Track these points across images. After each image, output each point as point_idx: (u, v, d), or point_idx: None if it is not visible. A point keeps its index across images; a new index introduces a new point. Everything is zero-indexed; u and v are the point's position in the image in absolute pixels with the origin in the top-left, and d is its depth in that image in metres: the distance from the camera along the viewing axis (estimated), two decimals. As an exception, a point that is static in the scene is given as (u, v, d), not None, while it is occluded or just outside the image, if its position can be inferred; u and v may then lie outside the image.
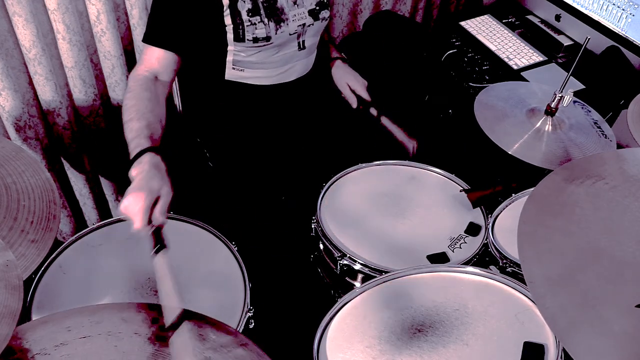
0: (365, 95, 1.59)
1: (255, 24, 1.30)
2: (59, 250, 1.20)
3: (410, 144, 1.57)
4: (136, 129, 1.14)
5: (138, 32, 1.66)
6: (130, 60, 1.75)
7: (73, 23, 1.53)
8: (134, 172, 1.06)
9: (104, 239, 1.24)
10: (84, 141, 1.79)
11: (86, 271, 1.17)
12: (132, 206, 0.98)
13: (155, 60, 1.29)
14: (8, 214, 1.00)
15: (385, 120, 1.58)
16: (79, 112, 1.73)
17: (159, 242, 0.98)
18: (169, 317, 0.86)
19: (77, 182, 1.87)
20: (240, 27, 1.30)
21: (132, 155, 1.10)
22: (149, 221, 0.99)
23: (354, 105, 1.60)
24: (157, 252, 0.96)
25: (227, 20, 1.29)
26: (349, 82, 1.60)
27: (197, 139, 1.61)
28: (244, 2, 1.29)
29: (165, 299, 0.89)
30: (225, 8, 1.28)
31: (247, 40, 1.32)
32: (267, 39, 1.33)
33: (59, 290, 1.12)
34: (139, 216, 0.97)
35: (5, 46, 1.51)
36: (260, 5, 1.31)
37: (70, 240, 1.22)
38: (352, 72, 1.63)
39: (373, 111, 1.59)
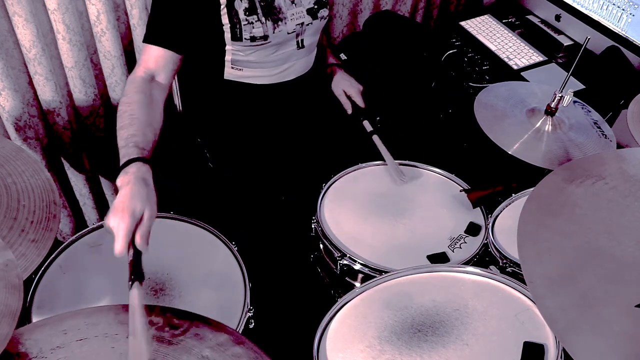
0: (359, 101, 1.59)
1: (252, 23, 1.30)
2: (59, 250, 1.20)
3: (395, 173, 1.47)
4: (125, 138, 1.12)
5: (138, 32, 1.66)
6: (130, 60, 1.75)
7: (73, 23, 1.53)
8: (118, 181, 1.04)
9: (104, 239, 1.24)
10: (84, 141, 1.79)
11: (86, 271, 1.17)
12: (114, 229, 0.95)
13: (154, 59, 1.28)
14: (8, 214, 1.00)
15: (376, 140, 1.53)
16: (79, 112, 1.73)
17: (135, 272, 0.94)
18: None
19: (77, 182, 1.87)
20: (238, 26, 1.30)
21: (120, 164, 1.08)
22: (130, 244, 0.96)
23: (349, 111, 1.61)
24: (132, 283, 0.91)
25: (225, 19, 1.29)
26: (344, 88, 1.61)
27: (197, 139, 1.61)
28: (241, 1, 1.29)
29: (132, 338, 0.83)
30: (222, 7, 1.28)
31: (245, 39, 1.32)
32: (265, 38, 1.33)
33: (59, 290, 1.12)
34: (120, 239, 0.94)
35: (5, 46, 1.51)
36: (258, 4, 1.31)
37: (70, 240, 1.22)
38: (348, 78, 1.64)
39: (367, 125, 1.57)
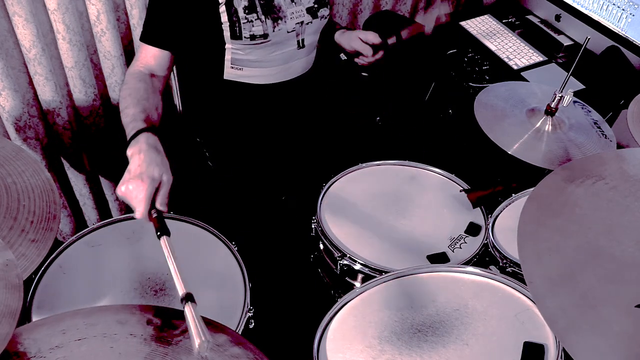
0: (377, 40, 1.51)
1: (251, 21, 1.31)
2: (59, 250, 1.20)
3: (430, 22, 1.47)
4: (132, 114, 1.15)
5: (138, 32, 1.66)
6: (130, 60, 1.74)
7: (73, 23, 1.53)
8: (129, 151, 1.05)
9: (104, 239, 1.24)
10: (83, 141, 1.79)
11: (86, 271, 1.17)
12: (133, 194, 0.98)
13: (151, 57, 1.31)
14: (8, 214, 1.00)
15: (404, 32, 1.50)
16: (79, 112, 1.73)
17: (161, 228, 0.97)
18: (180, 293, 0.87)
19: (77, 182, 1.87)
20: (237, 24, 1.30)
21: (128, 137, 1.10)
22: (151, 209, 0.99)
23: (370, 53, 1.52)
24: (160, 236, 0.96)
25: (223, 17, 1.30)
26: (359, 35, 1.53)
27: (197, 139, 1.61)
28: None
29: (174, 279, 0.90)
30: (220, 5, 1.28)
31: (244, 37, 1.32)
32: (265, 36, 1.33)
33: (59, 290, 1.12)
34: (141, 205, 0.97)
35: (5, 46, 1.51)
36: (257, 2, 1.31)
37: (70, 240, 1.23)
38: (359, 30, 1.59)
39: (391, 40, 1.52)
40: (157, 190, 1.01)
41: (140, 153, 1.03)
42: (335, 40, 1.58)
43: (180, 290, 0.85)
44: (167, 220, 1.27)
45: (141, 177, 0.99)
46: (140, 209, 0.98)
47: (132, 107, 1.17)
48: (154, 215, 0.99)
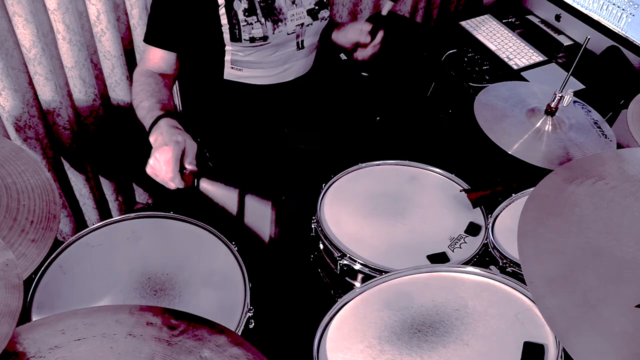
0: (370, 25, 1.49)
1: (251, 23, 1.31)
2: (59, 250, 1.20)
3: None
4: (147, 107, 1.19)
5: (138, 32, 1.66)
6: (130, 60, 1.75)
7: (73, 23, 1.53)
8: (152, 137, 1.11)
9: (104, 239, 1.24)
10: (84, 141, 1.79)
11: (86, 271, 1.17)
12: (161, 160, 1.02)
13: (158, 59, 1.34)
14: (8, 214, 1.00)
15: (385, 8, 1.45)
16: (79, 112, 1.73)
17: (197, 175, 1.04)
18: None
19: (77, 182, 1.87)
20: (237, 27, 1.30)
21: (148, 127, 1.15)
22: (181, 172, 1.03)
23: (369, 40, 1.48)
24: (198, 183, 1.03)
25: (223, 20, 1.30)
26: (357, 25, 1.51)
27: (196, 139, 1.61)
28: (240, 1, 1.29)
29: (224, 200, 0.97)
30: (220, 7, 1.28)
31: (244, 40, 1.32)
32: (265, 38, 1.33)
33: (59, 290, 1.12)
34: (169, 166, 1.02)
35: (5, 46, 1.51)
36: (257, 4, 1.31)
37: (70, 240, 1.22)
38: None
39: (384, 11, 1.47)
40: (183, 155, 1.06)
41: (162, 133, 1.09)
42: (332, 40, 1.58)
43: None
44: (167, 220, 1.29)
45: (165, 144, 1.04)
46: (169, 170, 1.02)
47: (147, 100, 1.21)
48: (188, 172, 1.05)
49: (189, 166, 1.06)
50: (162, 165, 1.03)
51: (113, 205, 2.03)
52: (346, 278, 1.31)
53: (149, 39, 1.32)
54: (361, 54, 1.52)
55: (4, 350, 0.70)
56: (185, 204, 1.36)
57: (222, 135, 1.54)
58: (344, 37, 1.53)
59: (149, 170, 1.05)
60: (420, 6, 2.25)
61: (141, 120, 1.19)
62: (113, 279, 1.15)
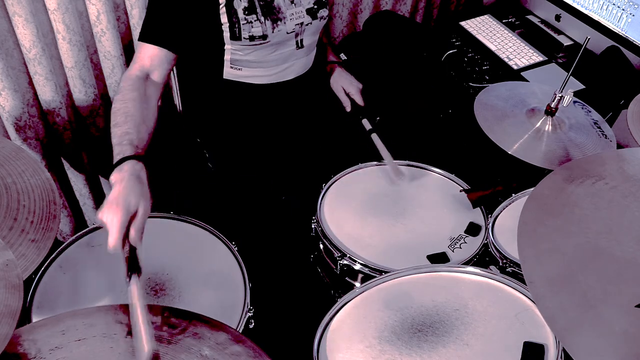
0: (359, 99, 1.59)
1: (251, 22, 1.31)
2: (59, 250, 1.20)
3: (394, 172, 1.46)
4: (119, 135, 1.13)
5: (138, 32, 1.65)
6: (130, 60, 1.74)
7: (73, 23, 1.53)
8: (112, 178, 1.04)
9: (104, 239, 1.23)
10: (84, 141, 1.79)
11: (86, 271, 1.17)
12: (108, 221, 0.95)
13: (149, 58, 1.28)
14: (8, 214, 1.00)
15: (375, 138, 1.52)
16: (79, 112, 1.73)
17: (132, 266, 0.94)
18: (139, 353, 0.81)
19: (77, 182, 1.87)
20: (237, 25, 1.30)
21: (114, 161, 1.09)
22: (124, 239, 0.96)
23: (348, 109, 1.60)
24: (130, 277, 0.92)
25: (223, 18, 1.29)
26: (344, 85, 1.61)
27: (196, 139, 1.61)
28: (240, 0, 1.29)
29: (136, 333, 0.84)
30: (221, 6, 1.28)
31: (244, 38, 1.32)
32: (264, 37, 1.33)
33: (59, 290, 1.12)
34: (113, 233, 0.94)
35: (5, 46, 1.51)
36: (257, 3, 1.31)
37: (70, 240, 1.22)
38: (348, 76, 1.63)
39: (366, 124, 1.56)
40: (132, 219, 0.98)
41: (122, 182, 1.02)
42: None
43: (145, 347, 0.81)
44: (167, 220, 1.29)
45: (117, 204, 0.97)
46: (112, 236, 0.95)
47: (121, 124, 1.15)
48: (125, 253, 0.96)
49: (133, 235, 0.97)
50: (108, 226, 0.96)
51: (113, 205, 2.02)
52: (346, 278, 1.31)
53: (143, 36, 1.29)
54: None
55: (5, 352, 0.70)
56: (185, 204, 1.36)
57: (222, 135, 1.54)
58: (334, 84, 1.64)
59: (98, 219, 0.98)
60: (420, 6, 2.25)
61: (112, 144, 1.13)
62: (113, 279, 1.15)
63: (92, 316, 0.88)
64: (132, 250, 0.97)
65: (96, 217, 0.98)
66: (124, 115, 1.17)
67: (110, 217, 0.96)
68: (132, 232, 0.97)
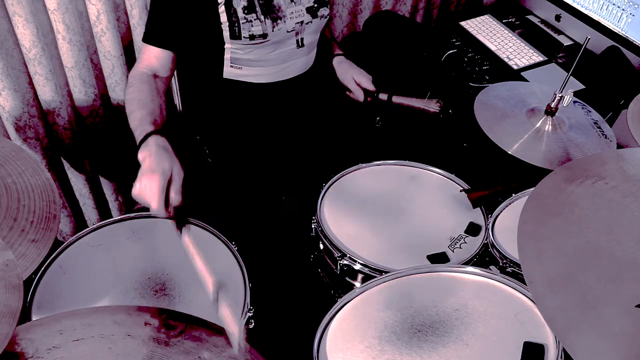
0: (371, 87, 1.56)
1: (251, 21, 1.31)
2: (59, 250, 1.20)
3: (433, 106, 1.52)
4: (139, 118, 1.19)
5: (138, 32, 1.66)
6: (130, 60, 1.75)
7: (73, 23, 1.53)
8: (141, 155, 1.10)
9: (104, 239, 1.24)
10: (84, 141, 1.79)
11: (86, 271, 1.17)
12: (147, 189, 1.02)
13: (154, 58, 1.33)
14: (8, 214, 1.00)
15: (397, 99, 1.54)
16: (79, 112, 1.73)
17: (180, 222, 1.03)
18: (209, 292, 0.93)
19: (77, 182, 1.87)
20: (236, 24, 1.30)
21: (137, 142, 1.14)
22: (166, 203, 1.03)
23: (361, 98, 1.56)
24: (181, 230, 1.02)
25: (223, 17, 1.30)
26: (354, 75, 1.58)
27: (196, 138, 1.61)
28: None
29: (200, 276, 0.97)
30: (220, 5, 1.28)
31: (244, 37, 1.32)
32: (264, 36, 1.33)
33: (59, 290, 1.12)
34: (155, 198, 1.01)
35: (5, 46, 1.51)
36: (256, 2, 1.31)
37: (70, 240, 1.22)
38: (356, 67, 1.62)
39: (383, 96, 1.55)
40: (169, 184, 1.05)
41: (151, 154, 1.08)
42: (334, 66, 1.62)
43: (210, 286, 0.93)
44: (167, 220, 1.28)
45: (153, 171, 1.04)
46: (154, 202, 1.02)
47: (138, 110, 1.21)
48: (170, 211, 1.04)
49: (173, 196, 1.05)
50: (147, 194, 1.03)
51: (113, 205, 2.03)
52: (346, 278, 1.31)
53: (147, 38, 1.32)
54: (351, 95, 1.59)
55: (3, 351, 0.70)
56: (185, 204, 1.36)
57: (222, 134, 1.54)
58: (342, 75, 1.61)
59: (134, 193, 1.04)
60: (420, 6, 2.25)
61: (132, 129, 1.19)
62: (113, 279, 1.15)
63: (91, 316, 0.88)
64: (177, 209, 1.06)
65: (132, 192, 1.05)
66: (139, 102, 1.24)
67: (148, 184, 1.02)
68: (173, 194, 1.05)
